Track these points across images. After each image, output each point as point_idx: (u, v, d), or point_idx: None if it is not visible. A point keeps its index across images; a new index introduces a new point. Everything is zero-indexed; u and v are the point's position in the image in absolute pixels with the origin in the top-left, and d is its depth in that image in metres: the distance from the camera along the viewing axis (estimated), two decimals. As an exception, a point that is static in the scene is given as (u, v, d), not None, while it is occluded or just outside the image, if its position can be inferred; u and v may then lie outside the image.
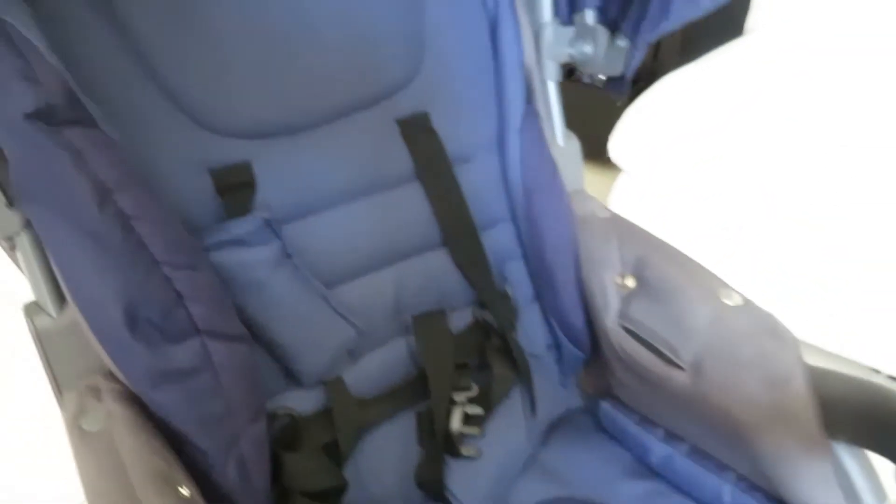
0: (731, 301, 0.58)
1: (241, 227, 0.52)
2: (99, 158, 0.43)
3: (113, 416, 0.46)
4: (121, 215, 0.43)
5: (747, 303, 0.58)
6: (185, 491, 0.42)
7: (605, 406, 0.69)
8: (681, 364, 0.58)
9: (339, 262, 0.60)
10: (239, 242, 0.52)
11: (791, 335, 0.55)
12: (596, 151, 1.13)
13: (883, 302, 0.98)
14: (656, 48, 1.59)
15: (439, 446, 0.62)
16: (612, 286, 0.64)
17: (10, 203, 0.45)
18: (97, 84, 0.48)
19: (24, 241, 0.47)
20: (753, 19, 1.44)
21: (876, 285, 1.00)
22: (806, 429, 0.51)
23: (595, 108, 1.16)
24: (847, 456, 0.52)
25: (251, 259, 0.52)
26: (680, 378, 0.59)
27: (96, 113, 0.45)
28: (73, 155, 0.42)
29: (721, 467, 0.60)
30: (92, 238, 0.42)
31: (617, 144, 1.24)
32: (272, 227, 0.53)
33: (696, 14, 0.55)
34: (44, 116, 0.41)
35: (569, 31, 0.66)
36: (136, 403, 0.47)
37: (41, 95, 0.41)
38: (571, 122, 0.70)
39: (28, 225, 0.46)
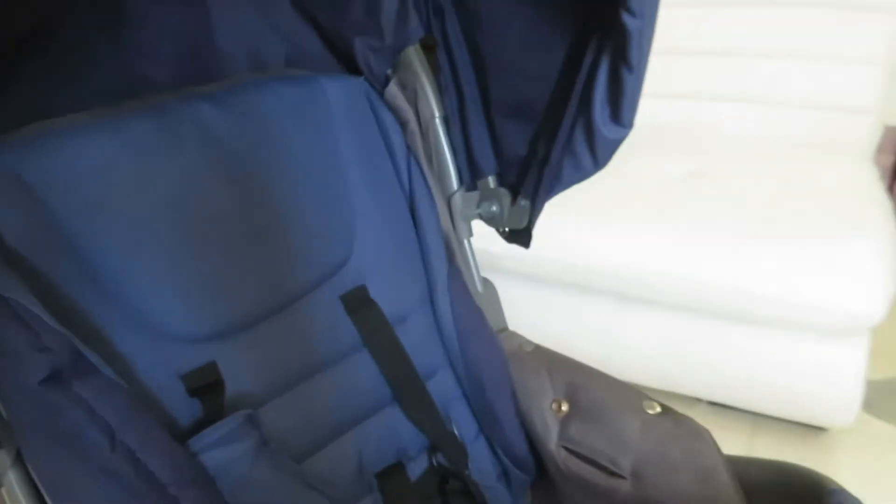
0: (653, 411, 0.67)
1: (226, 426, 0.55)
2: (104, 404, 0.46)
3: None
4: (129, 452, 0.46)
5: (666, 409, 0.67)
6: None
7: (559, 523, 0.75)
8: (622, 474, 0.66)
9: (305, 438, 0.64)
10: (224, 441, 0.55)
11: (708, 433, 0.64)
12: None
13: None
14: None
15: None
16: (550, 413, 0.72)
17: (0, 444, 0.46)
18: (74, 322, 0.51)
19: (10, 479, 0.47)
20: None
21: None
22: (734, 511, 0.60)
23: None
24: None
25: (237, 455, 0.55)
26: (623, 487, 0.66)
27: (95, 360, 0.48)
28: (84, 407, 0.45)
29: None
30: (106, 476, 0.44)
31: None
32: (252, 422, 0.57)
33: (583, 178, 0.68)
34: (56, 378, 0.44)
35: (475, 196, 0.77)
36: None
37: (52, 361, 0.44)
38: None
39: (15, 464, 0.47)
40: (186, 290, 0.58)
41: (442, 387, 0.75)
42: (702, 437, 0.64)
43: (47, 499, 0.46)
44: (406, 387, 0.71)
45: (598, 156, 0.64)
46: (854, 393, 1.26)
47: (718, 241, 1.28)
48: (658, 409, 0.67)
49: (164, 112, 0.59)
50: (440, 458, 0.73)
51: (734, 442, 1.42)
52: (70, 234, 0.52)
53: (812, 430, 1.41)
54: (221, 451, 0.54)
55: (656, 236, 1.32)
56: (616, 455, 0.67)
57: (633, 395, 0.69)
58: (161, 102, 0.61)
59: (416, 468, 0.72)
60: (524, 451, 0.74)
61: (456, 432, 0.75)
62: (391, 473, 0.69)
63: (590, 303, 1.43)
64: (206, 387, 0.57)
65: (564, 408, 0.71)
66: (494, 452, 0.76)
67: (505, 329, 0.80)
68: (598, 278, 1.37)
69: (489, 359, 0.74)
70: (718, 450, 0.63)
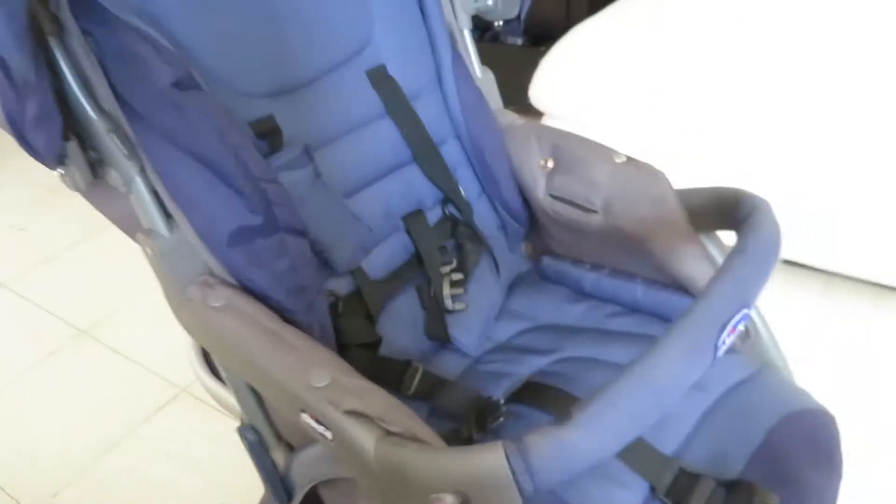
0: (620, 160, 0.84)
1: (289, 154, 0.71)
2: (211, 112, 0.61)
3: (230, 296, 0.64)
4: (233, 146, 0.62)
5: (630, 158, 0.84)
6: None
7: (546, 259, 0.94)
8: (595, 209, 0.84)
9: (345, 182, 0.81)
10: (288, 166, 0.71)
11: (662, 172, 0.81)
12: (518, 99, 1.34)
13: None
14: (567, 4, 1.84)
15: (440, 306, 0.85)
16: (538, 169, 0.89)
17: (129, 155, 0.62)
18: None
19: (139, 183, 0.64)
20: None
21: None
22: (681, 228, 0.78)
23: (516, 63, 1.38)
24: (706, 240, 0.79)
25: (298, 178, 0.72)
26: (595, 220, 0.84)
27: (201, 82, 0.63)
28: (203, 110, 0.60)
29: (632, 277, 0.87)
30: (213, 167, 0.61)
31: (536, 91, 1.48)
32: (308, 154, 0.73)
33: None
34: (179, 84, 0.59)
35: (473, -10, 0.89)
36: (241, 288, 0.66)
37: (175, 72, 0.59)
38: (497, 76, 0.95)
39: (142, 171, 0.63)
40: (242, 57, 0.72)
41: (450, 154, 0.91)
42: (657, 175, 0.81)
43: (170, 196, 0.63)
44: (422, 149, 0.87)
45: None
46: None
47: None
48: (624, 159, 0.84)
49: None
50: (451, 209, 0.91)
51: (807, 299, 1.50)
52: (156, 11, 0.66)
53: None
54: (287, 173, 0.71)
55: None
56: (591, 195, 0.84)
57: (604, 149, 0.85)
58: None
59: (433, 216, 0.90)
60: (518, 204, 0.92)
61: (462, 192, 0.92)
62: (414, 217, 0.87)
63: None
64: (268, 132, 0.73)
65: (550, 164, 0.88)
66: (494, 208, 0.94)
67: (501, 108, 0.96)
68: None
69: (488, 129, 0.90)
70: (669, 184, 0.80)
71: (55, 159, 0.61)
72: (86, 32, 0.60)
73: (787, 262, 1.53)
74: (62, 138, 0.59)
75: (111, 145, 0.61)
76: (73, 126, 0.61)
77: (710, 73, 1.42)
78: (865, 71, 1.42)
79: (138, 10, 0.64)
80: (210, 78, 0.69)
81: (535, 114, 1.57)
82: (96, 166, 0.64)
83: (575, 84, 1.46)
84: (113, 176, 0.64)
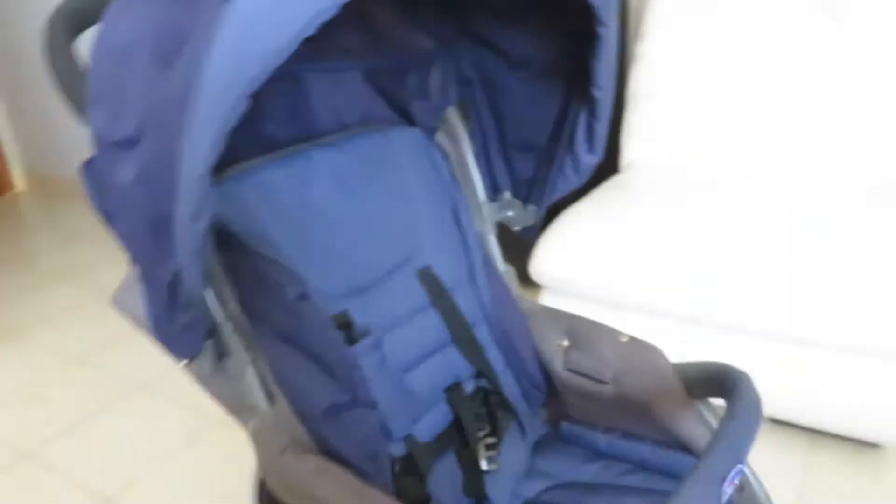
0: (624, 339, 1.02)
1: (364, 345, 0.89)
2: (321, 317, 0.80)
3: (318, 461, 0.79)
4: (333, 343, 0.80)
5: (632, 338, 1.02)
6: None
7: (564, 424, 1.09)
8: (606, 381, 1.01)
9: (401, 361, 0.98)
10: (364, 354, 0.89)
11: (659, 349, 0.99)
12: (521, 274, 1.50)
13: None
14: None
15: (477, 467, 0.99)
16: (556, 347, 1.07)
17: (247, 349, 0.80)
18: None
19: (251, 370, 0.81)
20: (625, 160, 2.02)
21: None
22: (678, 396, 0.95)
23: (517, 241, 1.58)
24: (701, 406, 0.96)
25: (370, 362, 0.89)
26: (607, 390, 1.01)
27: (313, 300, 0.83)
28: (314, 316, 0.79)
29: (642, 438, 1.02)
30: (316, 357, 0.78)
31: (537, 269, 1.68)
32: (377, 345, 0.91)
33: (572, 188, 1.03)
34: (301, 298, 0.78)
35: (497, 205, 1.12)
36: (325, 454, 0.81)
37: (296, 289, 0.78)
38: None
39: (254, 361, 0.81)
40: (329, 266, 0.93)
41: (482, 335, 1.09)
42: (656, 351, 0.98)
43: (274, 381, 0.80)
44: (459, 333, 1.06)
45: (580, 174, 1.01)
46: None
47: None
48: (626, 338, 1.02)
49: (310, 156, 0.95)
50: (482, 382, 1.08)
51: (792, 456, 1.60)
52: (265, 230, 0.87)
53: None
54: (363, 359, 0.89)
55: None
56: (601, 369, 1.01)
57: (610, 329, 1.04)
58: (306, 150, 0.96)
59: (468, 388, 1.06)
60: (539, 377, 1.09)
61: (492, 367, 1.09)
62: (454, 390, 1.04)
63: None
64: (345, 325, 0.91)
65: (565, 343, 1.06)
66: (518, 380, 1.11)
67: (522, 295, 1.15)
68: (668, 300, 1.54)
69: (513, 315, 1.09)
70: (667, 359, 0.98)
71: (191, 356, 0.78)
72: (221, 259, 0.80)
73: (774, 421, 1.63)
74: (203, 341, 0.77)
75: (234, 341, 0.79)
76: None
77: (710, 74, 1.54)
78: (864, 72, 1.55)
79: (261, 237, 0.85)
80: (304, 283, 0.89)
81: (533, 285, 1.77)
82: (216, 357, 0.81)
83: (575, 263, 1.67)
84: (230, 365, 0.81)
